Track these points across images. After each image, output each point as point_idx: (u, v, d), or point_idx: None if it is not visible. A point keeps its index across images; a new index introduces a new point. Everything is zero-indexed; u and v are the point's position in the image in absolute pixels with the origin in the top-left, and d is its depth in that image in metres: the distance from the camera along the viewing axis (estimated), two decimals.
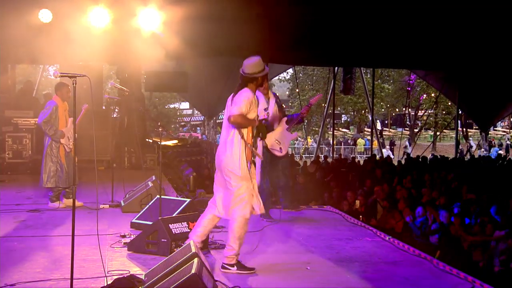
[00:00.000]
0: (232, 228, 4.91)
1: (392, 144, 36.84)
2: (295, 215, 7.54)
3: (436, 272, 5.17)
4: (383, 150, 30.60)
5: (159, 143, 7.21)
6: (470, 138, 39.75)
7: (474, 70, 18.23)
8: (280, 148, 6.93)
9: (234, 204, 4.89)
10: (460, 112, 25.24)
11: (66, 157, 7.73)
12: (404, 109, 36.68)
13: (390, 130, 49.58)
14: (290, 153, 26.28)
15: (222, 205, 5.03)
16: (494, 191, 11.71)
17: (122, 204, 7.76)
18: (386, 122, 51.18)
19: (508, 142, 38.70)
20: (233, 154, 4.86)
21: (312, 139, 37.86)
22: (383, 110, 46.11)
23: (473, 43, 14.86)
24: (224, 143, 4.93)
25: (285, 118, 7.14)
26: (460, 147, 27.10)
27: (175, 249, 5.08)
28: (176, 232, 5.44)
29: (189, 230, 5.50)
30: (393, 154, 30.27)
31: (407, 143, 35.60)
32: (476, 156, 25.68)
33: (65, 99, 7.75)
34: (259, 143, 5.24)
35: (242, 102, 4.79)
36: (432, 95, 36.73)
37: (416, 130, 40.11)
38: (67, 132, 7.71)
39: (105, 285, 4.36)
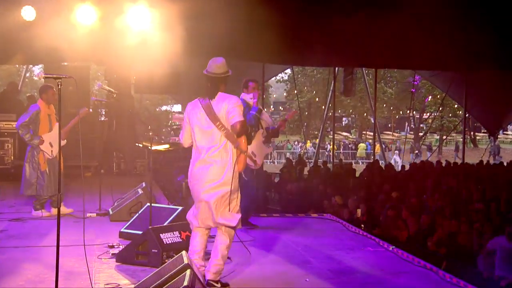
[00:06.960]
0: (227, 243, 4.74)
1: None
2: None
3: (443, 284, 5.18)
4: (395, 156, 30.57)
5: (149, 147, 7.22)
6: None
7: (481, 71, 18.28)
8: (255, 160, 6.89)
9: (231, 215, 4.71)
10: (467, 115, 25.27)
11: (49, 164, 7.69)
12: (408, 111, 36.60)
13: (394, 133, 49.67)
14: (287, 157, 26.32)
15: (211, 218, 4.73)
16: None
17: (111, 212, 7.75)
18: (389, 125, 51.30)
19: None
20: (229, 163, 4.71)
21: (311, 143, 37.85)
22: (385, 113, 46.16)
23: (481, 42, 14.90)
24: (211, 153, 4.75)
25: (262, 130, 7.10)
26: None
27: (166, 260, 5.06)
28: (168, 242, 5.44)
29: (181, 240, 5.50)
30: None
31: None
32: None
33: (51, 102, 7.71)
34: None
35: (239, 108, 4.76)
36: (438, 97, 36.79)
37: (421, 134, 40.14)
38: (49, 138, 7.64)
39: None
